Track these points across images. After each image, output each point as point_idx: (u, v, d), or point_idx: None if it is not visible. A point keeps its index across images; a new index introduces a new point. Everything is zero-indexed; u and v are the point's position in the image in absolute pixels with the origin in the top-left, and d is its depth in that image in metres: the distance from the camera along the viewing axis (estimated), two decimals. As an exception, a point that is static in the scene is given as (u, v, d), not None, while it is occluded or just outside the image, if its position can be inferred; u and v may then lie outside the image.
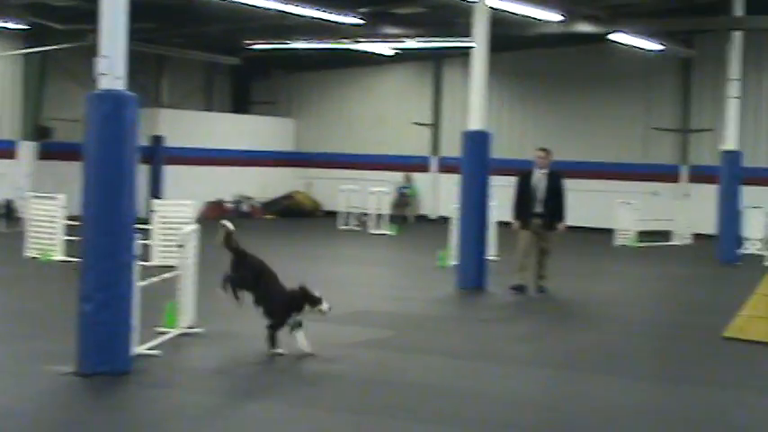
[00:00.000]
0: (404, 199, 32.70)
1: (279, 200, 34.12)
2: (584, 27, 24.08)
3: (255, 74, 36.26)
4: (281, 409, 8.75)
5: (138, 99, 9.78)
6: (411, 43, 26.17)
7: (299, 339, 10.76)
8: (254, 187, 33.75)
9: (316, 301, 10.80)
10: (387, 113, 34.54)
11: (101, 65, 9.61)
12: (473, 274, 16.62)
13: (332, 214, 31.04)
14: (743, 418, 9.04)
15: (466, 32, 17.36)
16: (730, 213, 22.58)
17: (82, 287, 9.60)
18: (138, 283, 10.09)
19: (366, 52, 29.53)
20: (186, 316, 11.65)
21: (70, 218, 18.03)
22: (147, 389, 9.30)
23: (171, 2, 24.37)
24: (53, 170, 27.93)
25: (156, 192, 29.49)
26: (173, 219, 17.29)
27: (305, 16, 22.81)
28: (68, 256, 17.76)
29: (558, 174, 16.38)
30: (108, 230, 9.55)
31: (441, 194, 32.46)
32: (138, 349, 10.15)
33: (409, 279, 18.48)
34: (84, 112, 9.71)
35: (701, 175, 28.67)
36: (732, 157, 22.79)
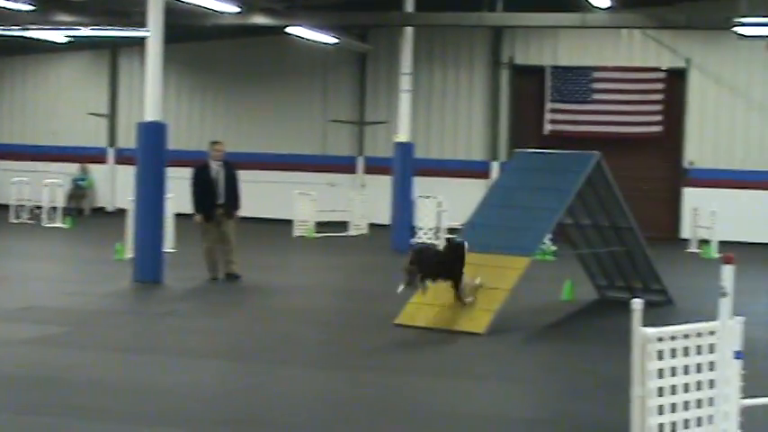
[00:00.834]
0: (79, 191, 31.71)
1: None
2: (261, 19, 24.18)
3: None
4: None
5: None
6: (85, 31, 25.33)
7: None
8: None
9: None
10: (61, 103, 33.33)
11: None
12: (150, 268, 16.36)
13: (3, 207, 29.62)
14: (411, 401, 9.38)
15: (142, 22, 17.03)
16: (403, 203, 23.42)
17: None
18: None
19: (38, 40, 28.34)
20: None
21: None
22: None
23: None
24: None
25: None
26: None
27: (-30, 0, 21.61)
28: None
29: (231, 164, 17.03)
30: None
31: (118, 186, 31.70)
32: None
33: (85, 273, 17.97)
34: None
35: (377, 167, 29.53)
36: (405, 148, 23.63)
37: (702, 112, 28.13)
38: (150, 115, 16.46)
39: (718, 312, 6.53)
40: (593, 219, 15.38)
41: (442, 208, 23.88)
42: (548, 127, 28.67)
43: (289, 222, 26.39)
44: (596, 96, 28.34)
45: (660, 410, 6.55)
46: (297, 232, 25.89)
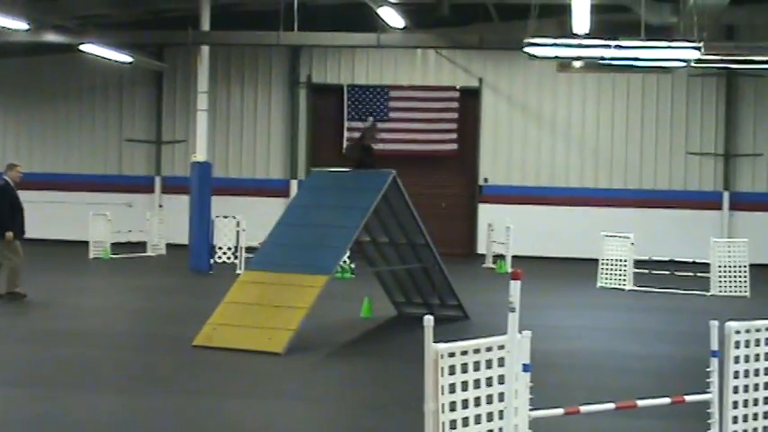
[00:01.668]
0: None
1: None
2: (53, 37, 23.53)
3: None
4: None
5: None
6: None
7: None
8: None
9: None
10: None
11: None
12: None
13: None
14: (212, 423, 9.24)
15: None
16: (201, 223, 23.14)
17: None
18: None
19: None
20: None
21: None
22: None
23: None
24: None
25: None
26: None
27: None
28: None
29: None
30: None
31: None
32: None
33: None
34: None
35: (174, 186, 29.13)
36: (202, 168, 23.37)
37: (496, 130, 28.94)
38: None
39: (508, 327, 6.67)
40: (391, 236, 15.57)
41: (241, 227, 23.73)
42: (346, 145, 28.89)
43: (84, 244, 25.68)
44: (393, 115, 28.78)
45: (453, 425, 6.63)
46: (92, 254, 25.21)
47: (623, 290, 20.56)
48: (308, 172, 27.45)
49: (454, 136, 28.73)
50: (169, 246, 26.67)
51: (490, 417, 6.78)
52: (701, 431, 7.85)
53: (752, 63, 22.46)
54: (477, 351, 6.74)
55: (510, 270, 21.97)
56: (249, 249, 21.56)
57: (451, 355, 6.60)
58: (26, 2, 22.59)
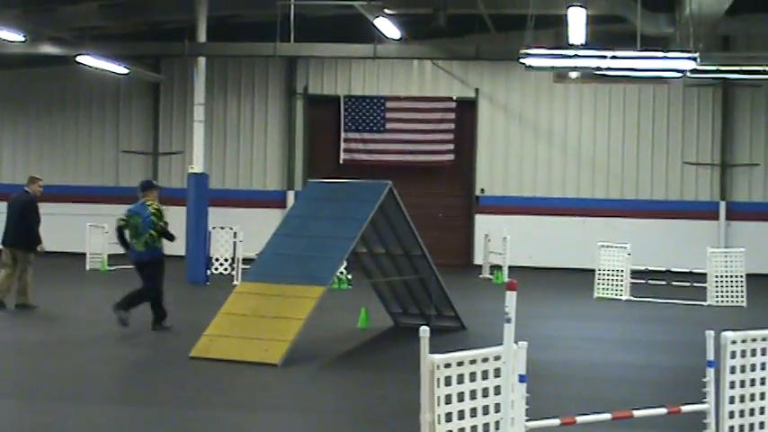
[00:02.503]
0: None
1: None
2: (50, 49, 23.59)
3: None
4: None
5: None
6: None
7: None
8: None
9: None
10: None
11: None
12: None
13: None
14: (207, 436, 9.25)
15: None
16: (198, 234, 23.13)
17: None
18: None
19: None
20: None
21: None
22: None
23: None
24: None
25: None
26: None
27: None
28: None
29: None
30: None
31: None
32: None
33: None
34: None
35: (171, 198, 29.02)
36: (199, 179, 23.38)
37: (492, 141, 28.98)
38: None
39: (504, 338, 6.68)
40: (387, 247, 15.57)
41: (238, 238, 23.71)
42: (343, 156, 28.94)
43: (82, 256, 25.65)
44: (390, 125, 28.81)
45: (449, 436, 6.64)
46: (89, 265, 25.19)
47: (620, 300, 20.57)
48: (304, 183, 27.44)
49: (451, 147, 28.75)
50: (166, 257, 26.55)
51: (486, 428, 6.78)
52: (697, 441, 7.86)
53: (748, 73, 22.50)
54: (473, 362, 6.74)
55: (507, 281, 21.99)
56: (246, 260, 21.54)
57: (448, 365, 6.61)
58: (23, 13, 22.65)
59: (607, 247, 21.27)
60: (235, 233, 24.01)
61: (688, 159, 28.38)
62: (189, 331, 14.18)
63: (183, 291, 21.76)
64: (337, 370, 12.79)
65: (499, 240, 24.72)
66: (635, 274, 21.00)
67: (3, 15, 21.52)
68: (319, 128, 29.79)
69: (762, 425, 7.83)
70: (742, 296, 19.94)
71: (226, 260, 24.52)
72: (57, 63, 27.91)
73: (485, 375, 6.77)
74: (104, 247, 25.42)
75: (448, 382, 6.58)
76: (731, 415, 7.71)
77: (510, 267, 23.85)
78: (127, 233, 15.54)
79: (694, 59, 18.27)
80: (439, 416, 6.53)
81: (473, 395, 6.73)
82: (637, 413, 7.69)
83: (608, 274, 21.01)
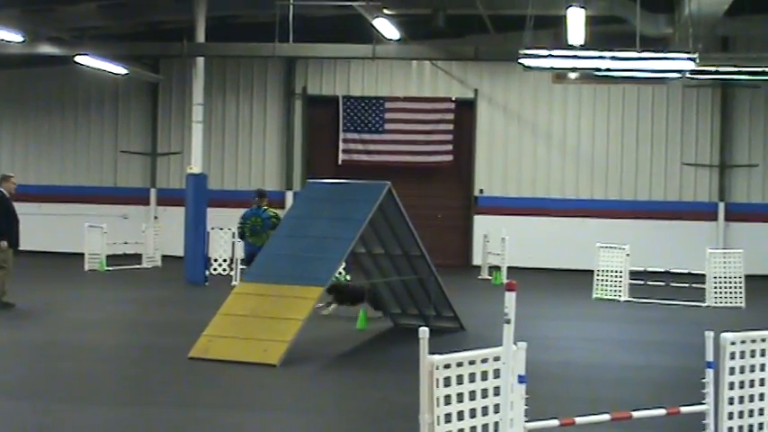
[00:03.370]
0: None
1: None
2: (48, 49, 23.58)
3: None
4: None
5: None
6: None
7: None
8: None
9: None
10: None
11: None
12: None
13: None
14: (205, 437, 9.24)
15: None
16: (197, 235, 23.12)
17: None
18: None
19: None
20: None
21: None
22: None
23: None
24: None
25: None
26: None
27: None
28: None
29: None
30: None
31: None
32: None
33: None
34: None
35: (170, 198, 29.13)
36: (198, 179, 23.36)
37: (491, 142, 28.97)
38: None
39: (503, 338, 6.67)
40: (386, 247, 15.56)
41: (237, 239, 23.69)
42: (342, 157, 28.93)
43: (80, 256, 25.64)
44: (388, 126, 28.80)
45: (448, 436, 6.64)
46: (88, 266, 25.17)
47: (619, 301, 20.56)
48: (303, 183, 27.44)
49: (450, 147, 28.75)
50: (164, 258, 26.65)
51: (486, 428, 6.78)
52: (696, 442, 7.85)
53: (747, 74, 22.50)
54: (472, 362, 6.74)
55: (505, 281, 21.99)
56: (244, 261, 21.53)
57: (447, 366, 6.61)
58: (21, 14, 22.63)
59: (606, 247, 21.26)
60: (233, 234, 24.00)
61: (687, 160, 28.38)
62: (187, 332, 14.16)
63: (182, 291, 21.76)
64: (336, 370, 12.78)
65: (498, 241, 24.71)
66: (634, 274, 21.00)
67: (2, 15, 21.50)
68: (318, 128, 29.78)
69: (761, 426, 7.83)
70: (741, 297, 19.94)
71: (224, 260, 24.54)
72: (55, 63, 27.91)
73: (484, 376, 6.77)
74: (103, 248, 25.41)
75: (447, 382, 6.58)
76: (730, 416, 7.71)
77: (509, 268, 23.84)
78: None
79: (693, 60, 18.26)
80: (438, 416, 6.53)
81: (472, 396, 6.73)
82: (636, 414, 7.68)
83: (607, 275, 21.00)
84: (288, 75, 29.59)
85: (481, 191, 28.96)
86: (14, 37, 21.58)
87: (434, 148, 28.75)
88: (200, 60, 23.50)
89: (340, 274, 20.89)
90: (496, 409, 6.75)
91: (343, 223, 14.00)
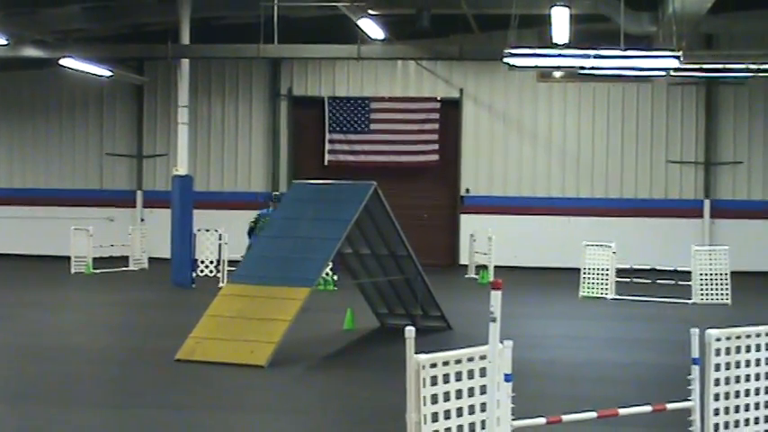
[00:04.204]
0: None
1: None
2: (32, 51, 23.51)
3: None
4: None
5: None
6: None
7: None
8: None
9: None
10: None
11: None
12: None
13: None
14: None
15: None
16: (183, 237, 23.09)
17: None
18: None
19: None
20: None
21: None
22: None
23: None
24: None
25: None
26: None
27: None
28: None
29: None
30: None
31: None
32: None
33: None
34: None
35: (156, 200, 29.08)
36: (184, 181, 23.32)
37: (477, 141, 29.00)
38: None
39: (489, 337, 6.68)
40: (373, 248, 15.57)
41: (223, 240, 23.69)
42: (328, 157, 28.92)
43: (66, 259, 25.58)
44: (374, 126, 28.81)
45: (436, 435, 6.64)
46: (74, 269, 25.12)
47: (605, 299, 20.61)
48: (289, 184, 27.41)
49: (435, 147, 28.77)
50: (151, 260, 26.60)
51: (472, 427, 6.79)
52: (683, 439, 7.88)
53: (731, 71, 22.59)
54: (458, 361, 6.75)
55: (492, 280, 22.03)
56: (231, 262, 21.52)
57: (433, 365, 6.61)
58: (4, 16, 22.55)
59: (592, 245, 21.30)
60: (220, 235, 24.00)
61: (672, 158, 28.45)
62: (174, 334, 14.14)
63: (169, 293, 21.73)
64: (323, 371, 12.79)
65: (484, 240, 24.74)
66: (620, 272, 21.05)
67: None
68: (304, 129, 29.76)
69: (747, 422, 7.86)
70: (727, 294, 20.00)
71: (211, 262, 24.51)
72: (39, 66, 27.81)
73: (470, 375, 6.77)
74: (89, 251, 25.36)
75: (434, 381, 6.59)
76: (716, 412, 7.74)
77: (495, 267, 23.86)
78: None
79: (677, 58, 18.31)
80: (425, 416, 6.53)
81: (459, 395, 6.74)
82: (622, 411, 7.71)
83: (593, 273, 21.04)
84: (273, 76, 29.56)
85: (467, 190, 28.99)
86: (-2, 40, 21.53)
87: (420, 148, 28.76)
88: (185, 62, 23.47)
89: (327, 274, 20.91)
90: (483, 407, 6.75)
91: (329, 224, 14.01)
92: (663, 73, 21.04)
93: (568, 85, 28.07)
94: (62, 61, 24.02)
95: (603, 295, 20.73)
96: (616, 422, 8.33)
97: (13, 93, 30.60)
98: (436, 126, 28.78)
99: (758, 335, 7.91)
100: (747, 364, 7.87)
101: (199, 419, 9.90)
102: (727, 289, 20.03)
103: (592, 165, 28.68)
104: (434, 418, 6.59)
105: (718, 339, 7.73)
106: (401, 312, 16.08)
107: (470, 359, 6.80)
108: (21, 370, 12.48)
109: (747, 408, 7.89)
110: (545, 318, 18.10)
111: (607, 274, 20.87)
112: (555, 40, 19.81)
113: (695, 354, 7.67)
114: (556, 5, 18.16)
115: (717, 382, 7.72)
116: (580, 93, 28.58)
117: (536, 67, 21.59)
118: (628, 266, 21.19)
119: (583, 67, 19.84)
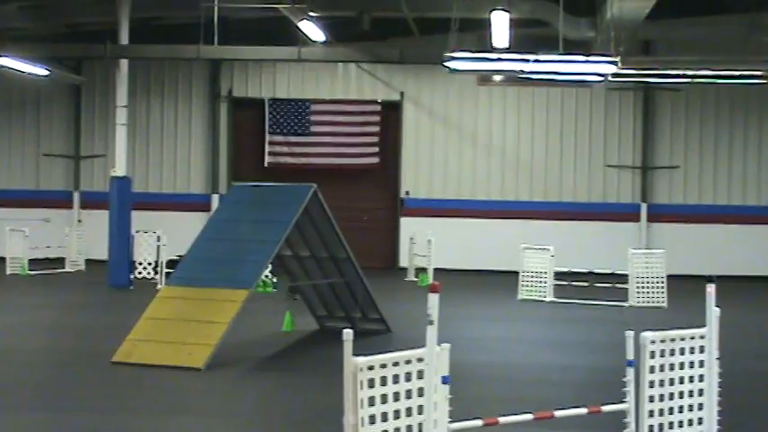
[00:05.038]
0: None
1: None
2: (-34, 50, 23.15)
3: None
4: None
5: None
6: None
7: None
8: None
9: None
10: None
11: None
12: None
13: None
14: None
15: None
16: (121, 238, 22.88)
17: None
18: None
19: None
20: None
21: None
22: None
23: None
24: None
25: None
26: None
27: None
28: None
29: None
30: None
31: None
32: None
33: None
34: None
35: (94, 201, 28.77)
36: (122, 183, 23.12)
37: (417, 144, 29.07)
38: None
39: (426, 339, 6.69)
40: (312, 250, 15.54)
41: (162, 242, 23.50)
42: (268, 159, 28.82)
43: (1, 260, 25.23)
44: (314, 128, 28.76)
45: (373, 438, 6.64)
46: (10, 270, 24.79)
47: (543, 301, 20.75)
48: (229, 186, 27.28)
49: (376, 149, 28.79)
50: (88, 261, 26.30)
51: (410, 429, 6.79)
52: (618, 440, 7.95)
53: (668, 77, 22.86)
54: (396, 364, 6.75)
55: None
56: (170, 264, 21.35)
57: (371, 368, 6.61)
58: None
59: (531, 248, 21.44)
60: (158, 237, 23.81)
61: (610, 162, 28.73)
62: (111, 336, 14.00)
63: (106, 295, 21.53)
64: (261, 373, 12.75)
65: (424, 243, 24.81)
66: (558, 275, 21.20)
67: None
68: (244, 131, 29.63)
69: (681, 423, 7.95)
70: (662, 297, 20.24)
71: (149, 264, 24.30)
72: (-25, 65, 27.41)
73: (408, 377, 6.78)
74: (25, 252, 25.05)
75: (371, 384, 6.59)
76: (651, 414, 7.82)
77: (435, 269, 23.94)
78: None
79: (615, 63, 18.51)
80: (362, 418, 6.53)
81: (396, 397, 6.74)
82: (558, 413, 7.77)
83: (532, 276, 21.18)
84: (213, 77, 29.39)
85: (407, 193, 29.04)
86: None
87: (361, 151, 28.77)
88: (124, 62, 23.26)
89: (266, 276, 20.84)
90: (420, 410, 6.76)
91: (268, 226, 13.97)
92: (601, 78, 21.22)
93: (508, 89, 28.22)
94: (-1, 60, 23.70)
95: (542, 298, 20.88)
96: (552, 424, 8.39)
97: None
98: (377, 129, 28.80)
99: (692, 337, 8.01)
100: (682, 366, 7.96)
101: (135, 423, 9.82)
102: (663, 292, 20.26)
103: (531, 168, 28.87)
104: (372, 420, 6.58)
105: (653, 342, 7.81)
106: (341, 315, 16.07)
107: (408, 362, 6.80)
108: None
109: (681, 409, 7.99)
110: (484, 320, 18.19)
111: (546, 277, 21.01)
112: (495, 45, 19.92)
113: (630, 356, 7.75)
114: (495, 10, 18.26)
115: (651, 384, 7.80)
116: (519, 97, 28.76)
117: (476, 71, 21.70)
118: (566, 269, 21.35)
119: (522, 72, 19.99)
